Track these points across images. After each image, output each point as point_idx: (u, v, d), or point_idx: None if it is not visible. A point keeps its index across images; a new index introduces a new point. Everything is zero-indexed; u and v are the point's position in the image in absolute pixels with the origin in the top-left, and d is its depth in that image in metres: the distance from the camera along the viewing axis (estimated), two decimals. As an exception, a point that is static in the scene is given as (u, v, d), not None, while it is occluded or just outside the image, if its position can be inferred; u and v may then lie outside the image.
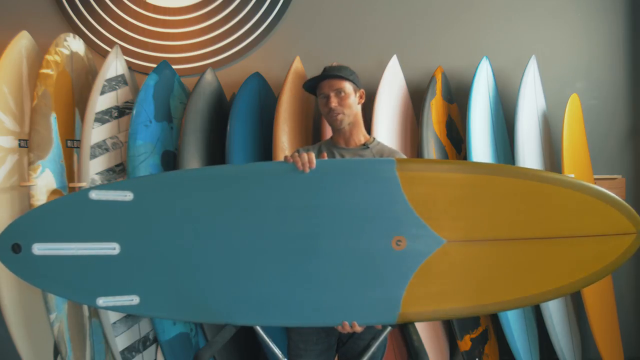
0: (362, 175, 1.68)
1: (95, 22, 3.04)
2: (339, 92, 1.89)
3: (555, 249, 1.65)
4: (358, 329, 1.65)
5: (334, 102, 1.89)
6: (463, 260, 1.67)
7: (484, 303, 1.67)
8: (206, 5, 3.04)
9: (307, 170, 1.65)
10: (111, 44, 2.99)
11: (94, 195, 1.64)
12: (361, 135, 1.97)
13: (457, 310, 1.69)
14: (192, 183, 1.69)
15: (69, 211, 1.65)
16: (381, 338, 1.73)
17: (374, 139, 1.99)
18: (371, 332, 1.85)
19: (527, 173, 1.66)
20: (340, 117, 1.90)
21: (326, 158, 1.84)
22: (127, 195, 1.66)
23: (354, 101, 1.93)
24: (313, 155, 1.68)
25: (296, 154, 1.70)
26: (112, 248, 1.65)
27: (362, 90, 1.99)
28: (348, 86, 1.91)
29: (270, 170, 1.70)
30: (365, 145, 1.95)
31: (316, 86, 1.96)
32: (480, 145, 2.73)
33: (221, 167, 1.82)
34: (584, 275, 1.65)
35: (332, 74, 1.91)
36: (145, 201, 1.67)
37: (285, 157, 1.69)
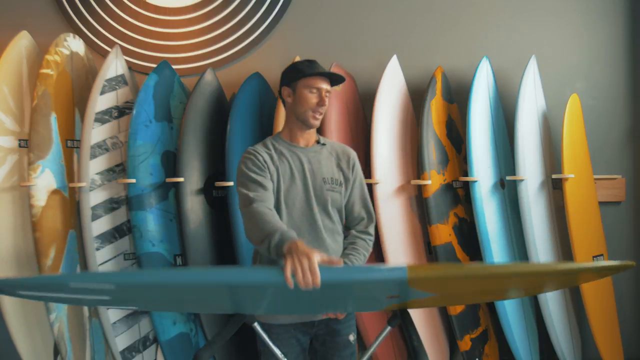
0: (370, 281, 1.54)
1: (95, 22, 3.04)
2: (328, 93, 1.83)
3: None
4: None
5: (326, 102, 1.82)
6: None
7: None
8: (206, 5, 3.04)
9: (310, 287, 1.44)
10: (111, 44, 2.99)
11: (73, 285, 1.52)
12: (315, 134, 1.92)
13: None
14: (178, 290, 1.56)
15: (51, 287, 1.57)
16: (381, 338, 1.73)
17: (319, 135, 1.94)
18: (351, 327, 1.88)
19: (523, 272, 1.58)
20: (321, 117, 1.84)
21: (325, 262, 1.49)
22: (108, 286, 1.52)
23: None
24: (316, 269, 1.43)
25: (298, 268, 1.43)
26: (103, 298, 1.63)
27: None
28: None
29: (266, 283, 1.52)
30: (320, 143, 1.90)
31: (303, 76, 1.81)
32: (480, 145, 2.73)
33: (211, 276, 1.57)
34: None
35: (337, 75, 1.85)
36: (126, 292, 1.58)
37: (284, 269, 1.46)
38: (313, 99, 1.80)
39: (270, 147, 1.84)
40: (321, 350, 1.90)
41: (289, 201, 1.79)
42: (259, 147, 1.84)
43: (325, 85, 1.82)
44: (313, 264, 1.43)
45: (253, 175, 1.76)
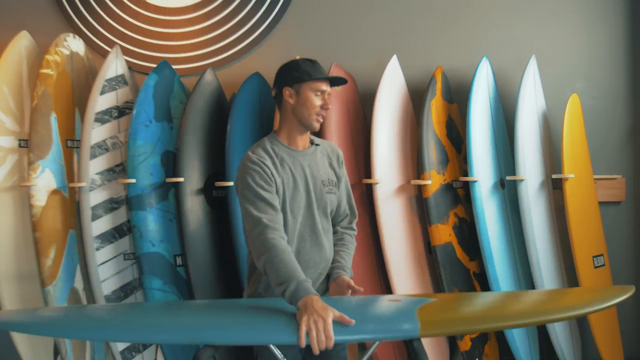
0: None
1: (95, 22, 3.03)
2: (329, 96, 1.81)
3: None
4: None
5: (329, 105, 1.79)
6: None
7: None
8: (206, 5, 3.04)
9: (323, 348, 1.46)
10: (111, 44, 2.98)
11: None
12: (309, 136, 1.90)
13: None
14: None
15: None
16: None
17: (311, 136, 1.91)
18: None
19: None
20: (322, 120, 1.81)
21: (337, 318, 1.50)
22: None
23: None
24: (331, 333, 1.44)
25: (313, 330, 1.43)
26: None
27: None
28: None
29: (276, 342, 1.61)
30: (314, 144, 1.88)
31: (309, 78, 1.77)
32: (480, 145, 2.73)
33: (223, 337, 1.54)
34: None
35: (341, 78, 1.84)
36: None
37: (298, 327, 1.46)
38: (318, 101, 1.77)
39: (272, 152, 1.77)
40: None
41: (294, 209, 1.77)
42: (262, 154, 1.76)
43: (328, 88, 1.80)
44: (328, 327, 1.43)
45: (262, 192, 1.69)
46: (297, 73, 1.79)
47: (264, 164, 1.73)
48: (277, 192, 1.73)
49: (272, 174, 1.73)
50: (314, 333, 1.42)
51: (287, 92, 1.80)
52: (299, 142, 1.83)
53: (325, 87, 1.79)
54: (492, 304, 1.77)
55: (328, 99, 1.79)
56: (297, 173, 1.78)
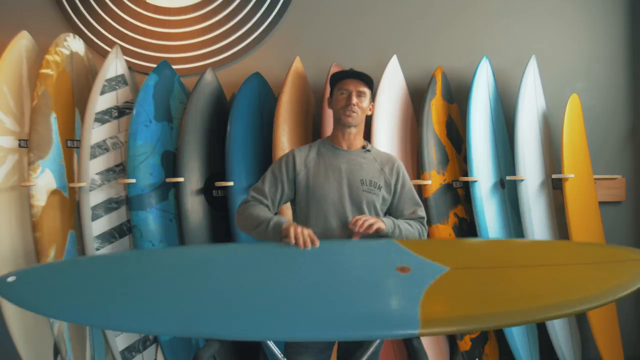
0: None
1: (95, 22, 3.04)
2: (361, 94, 1.97)
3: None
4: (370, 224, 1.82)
5: (354, 100, 1.95)
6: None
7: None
8: (206, 5, 3.04)
9: (309, 247, 1.76)
10: (111, 44, 2.99)
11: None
12: (361, 140, 2.05)
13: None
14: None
15: None
16: (378, 340, 1.73)
17: (368, 143, 2.07)
18: None
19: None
20: (354, 115, 1.96)
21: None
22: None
23: (366, 108, 2.01)
24: (311, 232, 1.80)
25: (298, 231, 1.78)
26: None
27: (373, 102, 2.09)
28: (368, 93, 2.00)
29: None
30: (365, 149, 2.03)
31: (336, 80, 2.01)
32: (480, 145, 2.73)
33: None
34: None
35: (363, 74, 1.98)
36: None
37: (287, 232, 1.79)
38: (342, 99, 1.97)
39: (315, 147, 2.03)
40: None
41: (320, 197, 1.92)
42: (301, 147, 2.03)
43: (353, 87, 1.96)
44: (311, 233, 1.78)
45: (267, 182, 1.97)
46: (330, 80, 2.05)
47: (293, 154, 2.00)
48: (295, 178, 1.96)
49: (290, 163, 1.97)
50: (300, 236, 1.76)
51: (329, 97, 2.06)
52: (342, 142, 2.01)
53: (349, 85, 1.97)
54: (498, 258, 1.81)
55: (357, 97, 1.96)
56: (331, 166, 1.96)
